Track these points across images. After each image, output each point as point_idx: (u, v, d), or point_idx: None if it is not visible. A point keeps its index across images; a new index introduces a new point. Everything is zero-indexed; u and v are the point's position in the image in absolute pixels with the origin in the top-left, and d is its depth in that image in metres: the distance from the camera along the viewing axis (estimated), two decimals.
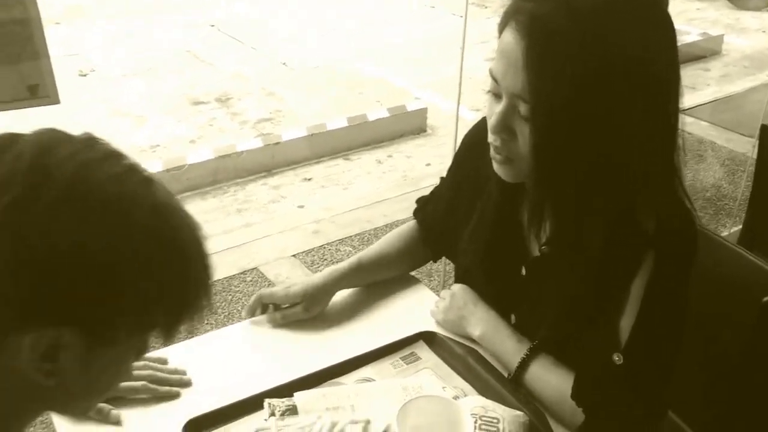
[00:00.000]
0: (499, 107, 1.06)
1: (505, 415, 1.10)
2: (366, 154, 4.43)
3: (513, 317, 1.33)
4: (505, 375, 1.26)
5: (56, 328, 0.70)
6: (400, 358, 1.32)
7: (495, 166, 1.15)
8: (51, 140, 0.73)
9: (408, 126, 4.66)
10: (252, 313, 1.42)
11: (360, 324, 1.43)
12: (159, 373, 1.24)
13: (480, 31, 2.72)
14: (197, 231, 0.78)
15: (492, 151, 1.13)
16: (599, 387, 1.14)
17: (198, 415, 1.15)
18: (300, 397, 1.17)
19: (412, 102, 4.90)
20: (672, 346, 1.14)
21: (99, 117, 4.67)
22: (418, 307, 1.46)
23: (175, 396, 1.23)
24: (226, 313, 2.90)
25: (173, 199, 0.77)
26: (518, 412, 1.13)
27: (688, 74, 5.53)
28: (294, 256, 3.30)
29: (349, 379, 1.26)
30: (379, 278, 1.52)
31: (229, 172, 4.01)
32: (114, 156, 0.74)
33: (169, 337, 0.80)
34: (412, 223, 1.55)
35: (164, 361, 1.28)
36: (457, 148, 1.46)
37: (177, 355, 1.29)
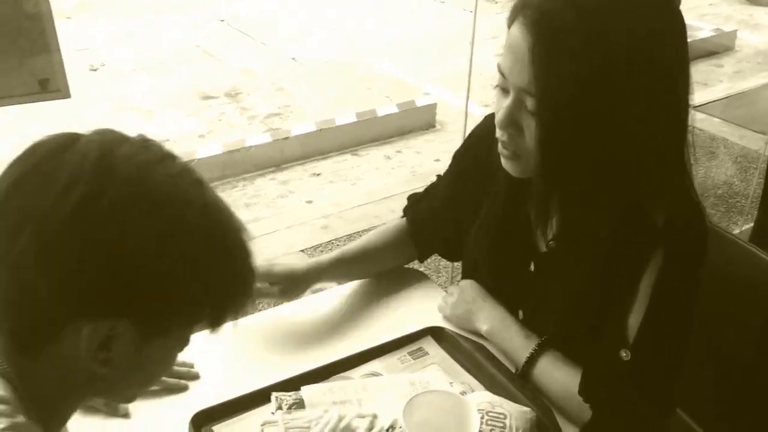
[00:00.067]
0: (507, 102, 1.06)
1: (512, 410, 1.10)
2: (375, 149, 4.42)
3: (521, 313, 1.32)
4: (513, 371, 1.26)
5: (112, 319, 0.74)
6: (408, 353, 1.32)
7: (502, 161, 1.15)
8: (112, 141, 0.77)
9: (417, 121, 4.66)
10: None
11: (367, 319, 1.44)
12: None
13: (490, 26, 2.71)
14: (242, 230, 0.83)
15: (499, 147, 1.13)
16: (607, 383, 1.14)
17: (205, 408, 1.15)
18: (307, 391, 1.17)
19: (422, 97, 4.89)
20: (680, 343, 1.13)
21: (109, 111, 4.69)
22: (426, 303, 1.46)
23: (183, 389, 1.24)
24: None
25: (220, 199, 0.82)
26: (525, 408, 1.13)
27: (700, 70, 5.55)
28: (302, 251, 3.30)
29: (356, 373, 1.26)
30: (362, 274, 1.52)
31: (237, 166, 4.01)
32: (169, 157, 0.79)
33: (215, 328, 0.85)
34: (400, 220, 1.54)
35: None
36: (460, 146, 1.45)
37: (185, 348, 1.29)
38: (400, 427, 1.05)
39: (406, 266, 1.59)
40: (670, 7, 1.04)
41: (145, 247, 0.73)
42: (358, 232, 3.45)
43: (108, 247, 0.72)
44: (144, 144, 0.79)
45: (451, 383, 1.23)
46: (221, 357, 1.30)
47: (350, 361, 1.27)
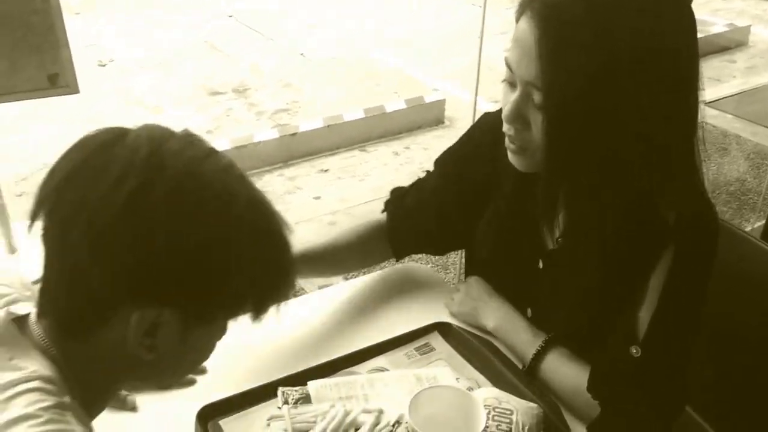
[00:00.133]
0: (514, 96, 1.06)
1: (519, 407, 1.10)
2: (383, 145, 4.42)
3: (529, 311, 1.32)
4: (520, 367, 1.26)
5: (159, 307, 0.77)
6: (414, 348, 1.32)
7: (509, 155, 1.14)
8: (160, 136, 0.80)
9: (425, 117, 4.65)
10: None
11: (374, 314, 1.44)
12: None
13: (499, 21, 2.71)
14: (284, 224, 0.86)
15: (506, 141, 1.13)
16: (616, 379, 1.13)
17: (212, 402, 1.15)
18: (313, 386, 1.17)
19: (430, 93, 4.88)
20: (689, 340, 1.13)
21: (117, 107, 4.70)
22: (433, 299, 1.46)
23: (190, 383, 1.24)
24: None
25: (263, 194, 0.85)
26: (532, 404, 1.12)
27: (713, 66, 5.53)
28: None
29: (363, 368, 1.26)
30: (328, 273, 1.50)
31: (245, 162, 4.00)
32: (214, 152, 0.82)
33: (257, 317, 0.88)
34: (375, 219, 1.50)
35: None
36: (457, 146, 1.42)
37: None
38: (406, 423, 1.05)
39: (414, 262, 1.59)
40: (679, 2, 1.03)
41: (194, 238, 0.77)
42: None
43: (158, 238, 0.75)
44: (190, 139, 0.82)
45: (457, 379, 1.23)
46: (228, 352, 1.29)
47: (357, 357, 1.27)
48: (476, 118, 1.42)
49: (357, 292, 1.48)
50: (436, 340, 1.34)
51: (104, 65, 5.50)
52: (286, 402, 1.14)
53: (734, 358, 1.40)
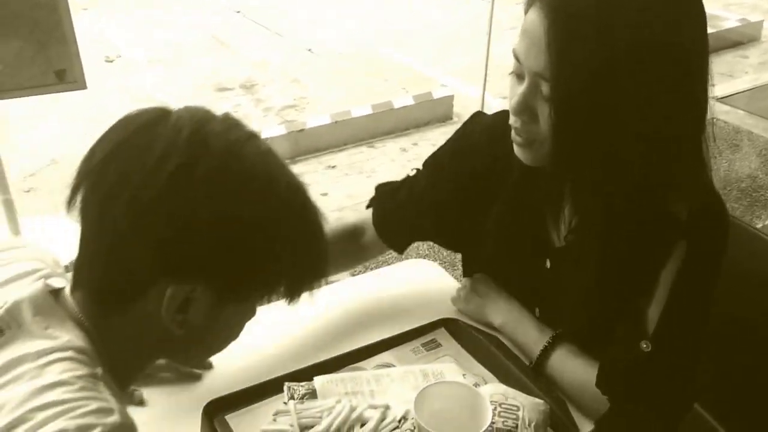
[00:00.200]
0: (521, 88, 1.05)
1: (526, 402, 1.10)
2: (391, 141, 4.42)
3: (537, 310, 1.32)
4: (527, 363, 1.25)
5: (194, 283, 0.79)
6: (421, 344, 1.31)
7: (515, 148, 1.13)
8: (203, 117, 0.82)
9: (434, 114, 4.64)
10: None
11: (381, 310, 1.43)
12: None
13: (509, 16, 2.70)
14: (318, 209, 0.88)
15: (512, 133, 1.11)
16: (626, 374, 1.13)
17: (218, 397, 1.15)
18: (319, 381, 1.17)
19: (438, 89, 4.87)
20: (699, 335, 1.12)
21: (125, 102, 4.71)
22: (440, 295, 1.45)
23: (196, 378, 1.24)
24: None
25: (300, 180, 0.87)
26: (539, 400, 1.12)
27: (725, 61, 5.49)
28: None
29: (369, 364, 1.26)
30: None
31: None
32: (256, 136, 0.84)
33: (291, 300, 0.90)
34: (352, 221, 1.45)
35: None
36: (454, 139, 1.38)
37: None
38: (412, 418, 1.05)
39: (421, 258, 1.59)
40: None
41: (234, 217, 0.79)
42: None
43: (198, 215, 0.77)
44: (232, 122, 0.84)
45: (464, 375, 1.22)
46: (234, 347, 1.29)
47: (363, 352, 1.27)
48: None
49: (364, 288, 1.48)
50: (443, 336, 1.33)
51: (111, 61, 5.51)
52: (292, 397, 1.14)
53: (745, 355, 1.39)
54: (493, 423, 1.04)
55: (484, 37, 3.74)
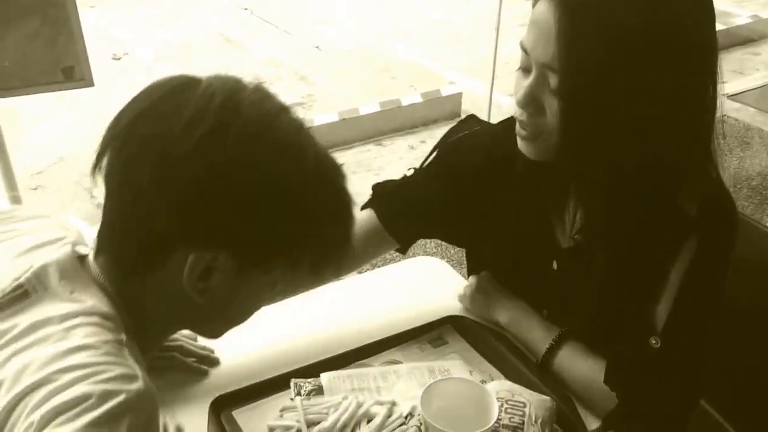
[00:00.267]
0: (528, 80, 1.05)
1: (532, 399, 1.09)
2: (399, 139, 4.41)
3: (545, 312, 1.31)
4: (534, 361, 1.25)
5: (217, 250, 0.79)
6: (428, 341, 1.31)
7: (519, 143, 1.12)
8: (236, 85, 0.82)
9: (442, 111, 4.63)
10: None
11: (388, 308, 1.43)
12: (189, 346, 1.26)
13: (518, 13, 2.69)
14: (347, 183, 0.88)
15: (518, 127, 1.11)
16: (635, 370, 1.12)
17: (225, 393, 1.16)
18: (326, 378, 1.17)
19: (447, 86, 4.86)
20: (707, 331, 1.12)
21: None
22: (448, 292, 1.45)
23: (203, 373, 1.25)
24: None
25: (331, 155, 0.87)
26: (545, 397, 1.12)
27: (736, 58, 5.45)
28: None
29: (376, 361, 1.26)
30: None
31: None
32: (288, 108, 0.84)
33: (315, 276, 0.90)
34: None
35: (194, 338, 1.29)
36: (444, 155, 1.34)
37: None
38: (419, 414, 1.05)
39: (428, 256, 1.58)
40: None
41: (260, 185, 0.78)
42: None
43: (224, 181, 0.76)
44: (264, 93, 0.83)
45: (471, 372, 1.22)
46: (241, 343, 1.30)
47: (370, 349, 1.27)
48: (491, 111, 1.40)
49: (371, 285, 1.48)
50: (450, 334, 1.33)
51: (119, 58, 5.52)
52: (298, 393, 1.14)
53: (752, 352, 1.38)
54: (499, 419, 1.04)
55: (492, 34, 3.73)
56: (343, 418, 1.08)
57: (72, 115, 4.35)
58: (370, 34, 6.13)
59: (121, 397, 0.70)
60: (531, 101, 1.05)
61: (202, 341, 1.29)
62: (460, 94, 4.70)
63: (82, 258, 0.85)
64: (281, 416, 1.12)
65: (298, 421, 1.09)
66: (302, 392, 1.14)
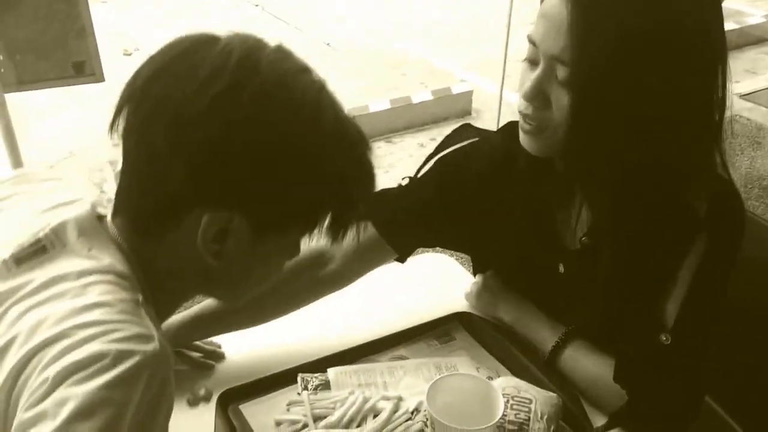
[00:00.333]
0: (535, 72, 1.04)
1: (538, 396, 1.09)
2: (408, 137, 4.40)
3: (550, 311, 1.30)
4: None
5: (232, 211, 0.78)
6: (435, 338, 1.31)
7: (522, 137, 1.11)
8: (256, 44, 0.80)
9: (452, 109, 4.62)
10: None
11: (396, 303, 1.44)
12: (195, 341, 1.27)
13: (529, 10, 2.67)
14: (369, 146, 0.86)
15: (521, 121, 1.10)
16: (645, 367, 1.12)
17: (233, 387, 1.16)
18: (333, 373, 1.17)
19: (457, 84, 4.85)
20: (715, 327, 1.12)
21: None
22: (455, 289, 1.45)
23: (210, 368, 1.25)
24: None
25: (349, 115, 0.86)
26: (552, 394, 1.12)
27: (749, 58, 5.43)
28: None
29: (383, 357, 1.26)
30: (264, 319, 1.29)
31: None
32: (309, 69, 0.83)
33: (334, 239, 0.88)
34: (314, 249, 1.31)
35: None
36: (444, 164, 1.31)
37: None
38: (425, 410, 1.05)
39: (437, 253, 1.58)
40: None
41: (277, 145, 0.77)
42: None
43: (238, 139, 0.75)
44: (285, 53, 0.82)
45: (477, 368, 1.22)
46: (249, 338, 1.30)
47: (377, 345, 1.27)
48: (501, 110, 1.40)
49: (378, 281, 1.47)
50: (457, 330, 1.33)
51: (130, 54, 5.53)
52: (305, 388, 1.15)
53: (760, 350, 1.37)
54: (505, 415, 1.04)
55: (503, 31, 3.72)
56: (350, 412, 1.08)
57: (80, 110, 4.36)
58: (381, 31, 6.12)
59: (136, 359, 0.69)
60: (538, 94, 1.04)
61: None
62: (470, 92, 4.69)
63: (101, 218, 0.84)
64: (288, 410, 1.12)
65: (304, 416, 1.09)
66: (309, 387, 1.15)
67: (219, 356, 1.27)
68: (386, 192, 1.32)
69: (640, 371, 1.13)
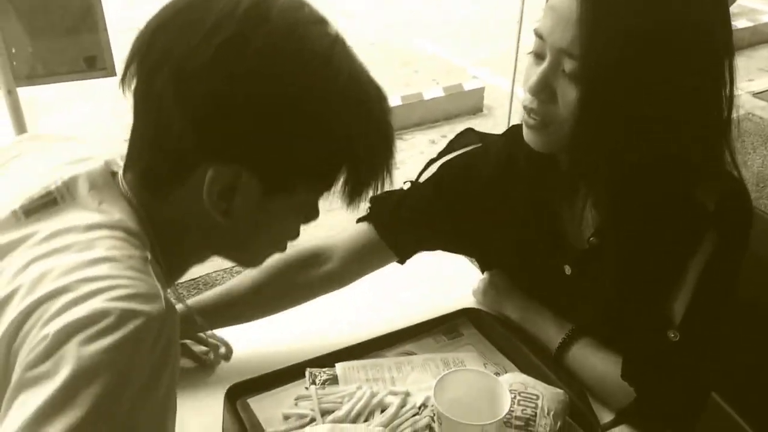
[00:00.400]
0: (542, 66, 1.03)
1: (545, 392, 1.09)
2: (420, 133, 4.40)
3: (556, 309, 1.30)
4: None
5: (237, 166, 0.76)
6: (443, 333, 1.31)
7: (526, 132, 1.10)
8: None
9: (464, 106, 4.62)
10: None
11: (404, 299, 1.44)
12: (202, 335, 1.27)
13: (541, 5, 2.67)
14: (386, 105, 0.83)
15: (526, 116, 1.09)
16: (654, 364, 1.12)
17: (241, 381, 1.16)
18: (341, 368, 1.17)
19: (469, 81, 4.84)
20: (723, 324, 1.11)
21: None
22: (463, 285, 1.45)
23: (217, 363, 1.26)
24: None
25: (368, 72, 0.82)
26: (558, 390, 1.11)
27: (763, 56, 5.39)
28: None
29: (391, 352, 1.26)
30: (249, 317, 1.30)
31: None
32: (324, 21, 0.79)
33: (350, 203, 0.85)
34: (310, 247, 1.33)
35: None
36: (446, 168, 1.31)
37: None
38: (432, 405, 1.05)
39: None
40: None
41: (282, 98, 0.74)
42: None
43: (244, 93, 0.73)
44: (301, 2, 0.78)
45: (485, 364, 1.22)
46: (258, 333, 1.31)
47: (385, 340, 1.27)
48: (512, 106, 1.39)
49: (386, 277, 1.48)
50: (465, 326, 1.33)
51: None
52: (313, 382, 1.15)
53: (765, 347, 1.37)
54: (511, 411, 1.04)
55: (515, 28, 3.72)
56: (357, 407, 1.08)
57: (89, 104, 4.38)
58: (392, 27, 6.12)
59: (140, 320, 0.67)
60: (544, 87, 1.04)
61: (219, 332, 1.29)
62: (482, 89, 4.68)
63: (114, 174, 0.83)
64: (296, 405, 1.13)
65: (312, 410, 1.10)
66: (317, 381, 1.15)
67: (223, 356, 1.27)
68: (388, 195, 1.31)
69: (648, 368, 1.13)
